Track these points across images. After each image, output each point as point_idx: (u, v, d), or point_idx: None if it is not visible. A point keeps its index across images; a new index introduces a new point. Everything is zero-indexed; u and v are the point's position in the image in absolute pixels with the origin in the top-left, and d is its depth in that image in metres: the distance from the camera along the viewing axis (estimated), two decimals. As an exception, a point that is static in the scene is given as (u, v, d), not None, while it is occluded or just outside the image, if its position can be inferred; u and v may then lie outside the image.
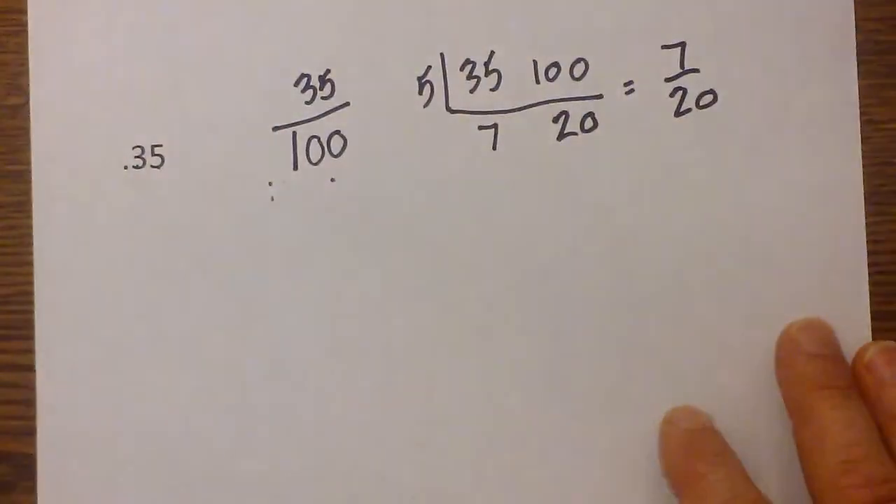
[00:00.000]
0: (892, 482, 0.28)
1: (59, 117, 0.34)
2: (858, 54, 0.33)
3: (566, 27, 0.33)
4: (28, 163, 0.34)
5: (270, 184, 0.34)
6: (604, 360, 0.33)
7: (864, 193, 0.33)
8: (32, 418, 0.33)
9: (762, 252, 0.33)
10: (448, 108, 0.33)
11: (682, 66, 0.33)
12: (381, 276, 0.33)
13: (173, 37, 0.34)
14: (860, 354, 0.32)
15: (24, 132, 0.34)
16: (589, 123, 0.33)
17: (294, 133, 0.34)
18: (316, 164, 0.34)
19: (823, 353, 0.31)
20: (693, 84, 0.33)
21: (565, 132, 0.33)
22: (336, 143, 0.34)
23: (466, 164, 0.33)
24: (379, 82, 0.34)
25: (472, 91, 0.33)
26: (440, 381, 0.33)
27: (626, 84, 0.33)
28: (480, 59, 0.34)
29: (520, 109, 0.33)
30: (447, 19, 0.34)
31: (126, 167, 0.34)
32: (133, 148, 0.34)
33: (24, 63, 0.34)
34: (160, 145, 0.34)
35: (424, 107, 0.34)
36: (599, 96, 0.33)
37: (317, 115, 0.34)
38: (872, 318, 0.32)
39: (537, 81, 0.33)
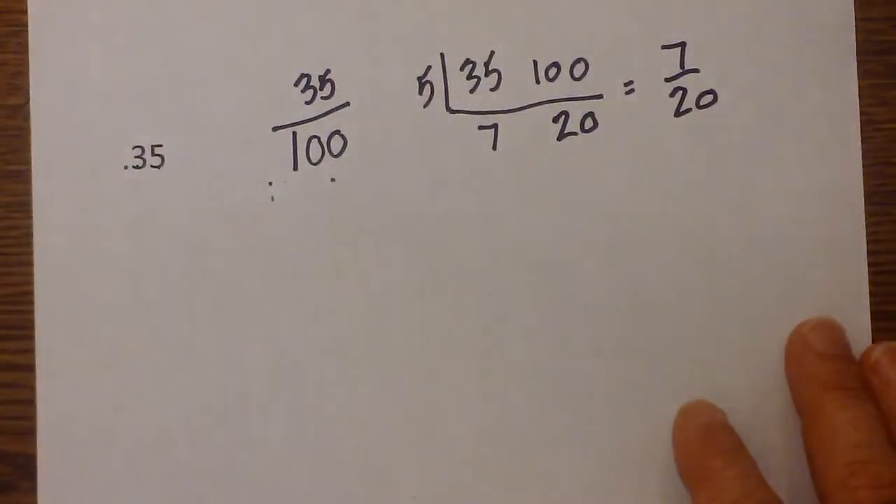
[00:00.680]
0: None
1: (60, 117, 0.34)
2: (858, 54, 0.33)
3: (566, 27, 0.33)
4: (28, 163, 0.34)
5: (270, 184, 0.34)
6: (604, 360, 0.33)
7: (864, 193, 0.33)
8: (32, 418, 0.33)
9: (762, 252, 0.33)
10: (448, 108, 0.34)
11: (682, 66, 0.33)
12: (381, 276, 0.33)
13: (173, 37, 0.34)
14: (867, 355, 0.32)
15: (24, 132, 0.34)
16: (589, 123, 0.33)
17: (294, 133, 0.34)
18: (316, 164, 0.34)
19: (834, 354, 0.31)
20: (693, 84, 0.33)
21: (565, 132, 0.33)
22: (336, 143, 0.34)
23: (466, 164, 0.33)
24: (379, 82, 0.34)
25: (472, 91, 0.33)
26: (440, 381, 0.33)
27: (626, 84, 0.33)
28: (480, 59, 0.34)
29: (520, 109, 0.33)
30: (447, 19, 0.34)
31: (126, 167, 0.34)
32: (133, 148, 0.34)
33: (24, 63, 0.34)
34: (160, 145, 0.34)
35: (424, 107, 0.34)
36: (599, 96, 0.33)
37: (317, 115, 0.34)
38: (872, 318, 0.33)
39: (537, 81, 0.33)
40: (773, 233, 0.33)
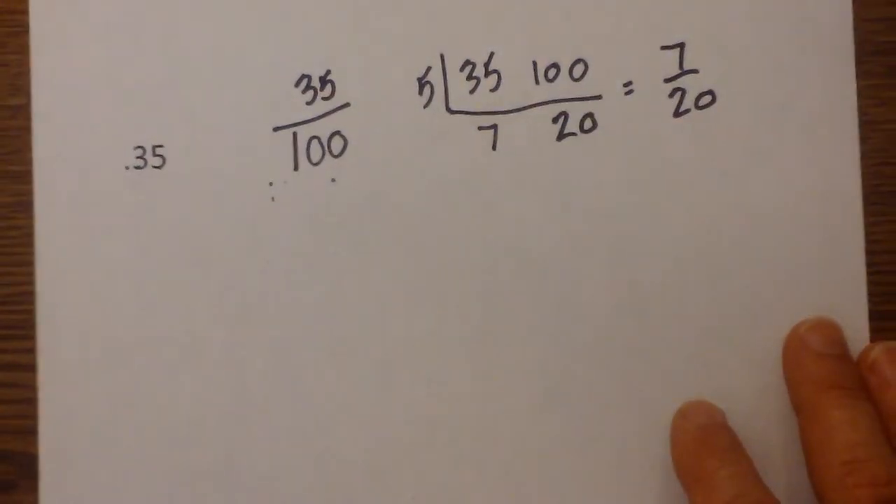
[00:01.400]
0: None
1: (61, 118, 0.34)
2: (857, 55, 0.33)
3: (566, 28, 0.33)
4: (29, 163, 0.34)
5: (271, 184, 0.34)
6: (603, 360, 0.33)
7: (863, 194, 0.33)
8: (34, 418, 0.34)
9: (761, 252, 0.33)
10: (448, 109, 0.34)
11: (681, 66, 0.33)
12: (382, 277, 0.33)
13: (174, 37, 0.34)
14: (864, 355, 0.32)
15: (25, 132, 0.34)
16: (588, 124, 0.33)
17: (294, 133, 0.34)
18: (316, 164, 0.34)
19: (832, 353, 0.31)
20: (692, 84, 0.33)
21: (565, 132, 0.33)
22: (336, 144, 0.34)
23: (466, 164, 0.33)
24: (379, 83, 0.34)
25: (471, 92, 0.34)
26: (440, 381, 0.33)
27: (625, 84, 0.33)
28: (480, 60, 0.34)
29: (519, 110, 0.33)
30: (447, 20, 0.34)
31: (127, 167, 0.34)
32: (134, 148, 0.34)
33: (25, 63, 0.34)
34: (161, 146, 0.34)
35: (424, 107, 0.34)
36: (599, 97, 0.33)
37: (317, 115, 0.34)
38: (871, 318, 0.33)
39: (537, 82, 0.33)
40: (772, 233, 0.33)
